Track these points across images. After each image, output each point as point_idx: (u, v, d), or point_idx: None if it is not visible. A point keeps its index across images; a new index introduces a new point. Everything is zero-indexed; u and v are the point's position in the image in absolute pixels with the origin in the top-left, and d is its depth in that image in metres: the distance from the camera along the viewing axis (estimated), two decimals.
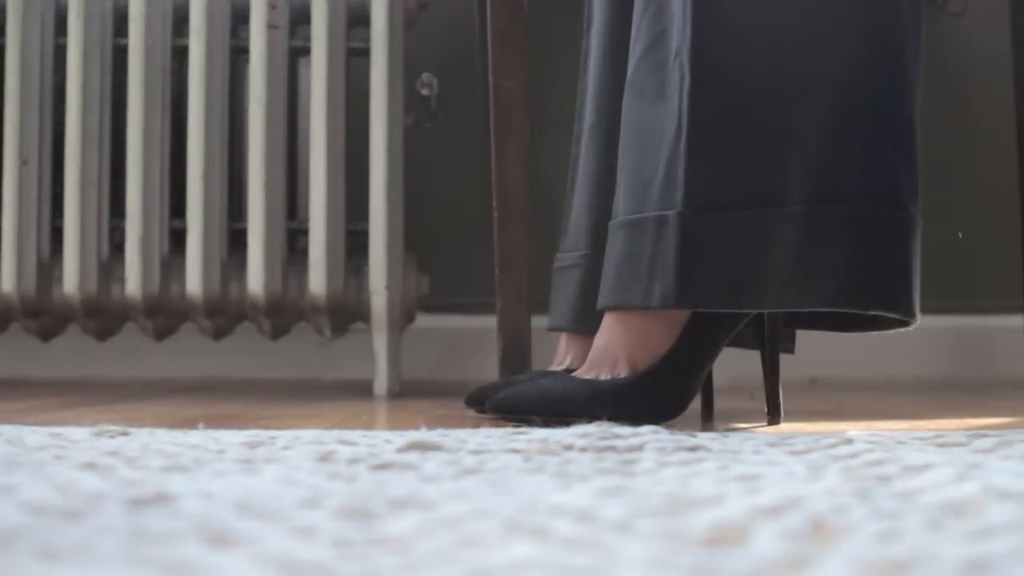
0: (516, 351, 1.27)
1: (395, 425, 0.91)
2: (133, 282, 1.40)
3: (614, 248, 0.92)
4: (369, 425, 0.93)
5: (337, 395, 1.34)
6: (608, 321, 0.92)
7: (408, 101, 1.46)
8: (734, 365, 1.65)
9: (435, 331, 1.69)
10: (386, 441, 0.69)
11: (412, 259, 1.46)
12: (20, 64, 1.41)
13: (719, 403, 1.17)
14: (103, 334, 1.51)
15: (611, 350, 0.90)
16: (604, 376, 0.90)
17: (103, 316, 1.45)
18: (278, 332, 1.50)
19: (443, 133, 1.62)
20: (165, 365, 1.66)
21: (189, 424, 0.83)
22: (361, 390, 1.42)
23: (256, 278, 1.39)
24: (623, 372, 0.89)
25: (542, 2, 1.59)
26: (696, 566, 0.35)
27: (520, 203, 1.25)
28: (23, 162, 1.41)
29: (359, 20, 1.45)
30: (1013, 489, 0.50)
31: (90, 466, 0.57)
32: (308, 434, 0.74)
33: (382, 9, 1.41)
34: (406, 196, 1.44)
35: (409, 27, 1.47)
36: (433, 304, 1.64)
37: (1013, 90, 1.59)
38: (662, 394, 0.90)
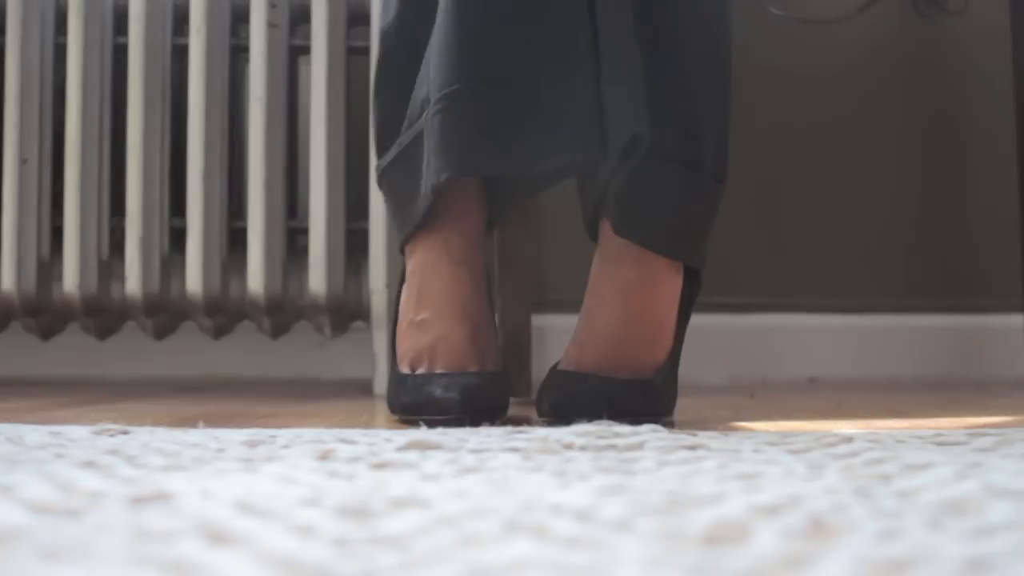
0: (516, 351, 1.27)
1: (395, 424, 0.91)
2: (133, 281, 1.40)
3: None
4: (369, 424, 0.93)
5: (337, 394, 1.34)
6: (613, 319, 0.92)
7: None
8: (734, 365, 1.65)
9: None
10: (386, 440, 0.69)
11: None
12: (20, 63, 1.41)
13: (719, 402, 1.17)
14: (103, 333, 1.51)
15: (629, 349, 0.90)
16: (624, 376, 0.89)
17: (103, 315, 1.45)
18: (278, 331, 1.50)
19: None
20: (165, 364, 1.66)
21: (189, 423, 0.83)
22: (361, 389, 1.42)
23: (256, 277, 1.39)
24: (646, 372, 0.90)
25: None
26: (696, 565, 0.35)
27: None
28: (23, 161, 1.41)
29: (359, 19, 1.45)
30: (1013, 488, 0.50)
31: (90, 465, 0.57)
32: (308, 433, 0.74)
33: None
34: None
35: None
36: None
37: (1013, 90, 1.59)
38: (674, 386, 0.93)
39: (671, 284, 0.92)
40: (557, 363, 0.93)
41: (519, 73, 0.89)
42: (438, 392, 0.87)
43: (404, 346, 0.95)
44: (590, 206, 0.96)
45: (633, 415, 0.84)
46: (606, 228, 0.93)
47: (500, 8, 0.89)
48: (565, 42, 0.89)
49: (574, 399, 0.87)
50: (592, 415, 0.81)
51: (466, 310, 0.92)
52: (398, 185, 0.96)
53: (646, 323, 0.91)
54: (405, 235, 0.97)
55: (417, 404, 0.89)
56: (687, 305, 0.95)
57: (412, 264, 0.96)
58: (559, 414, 0.86)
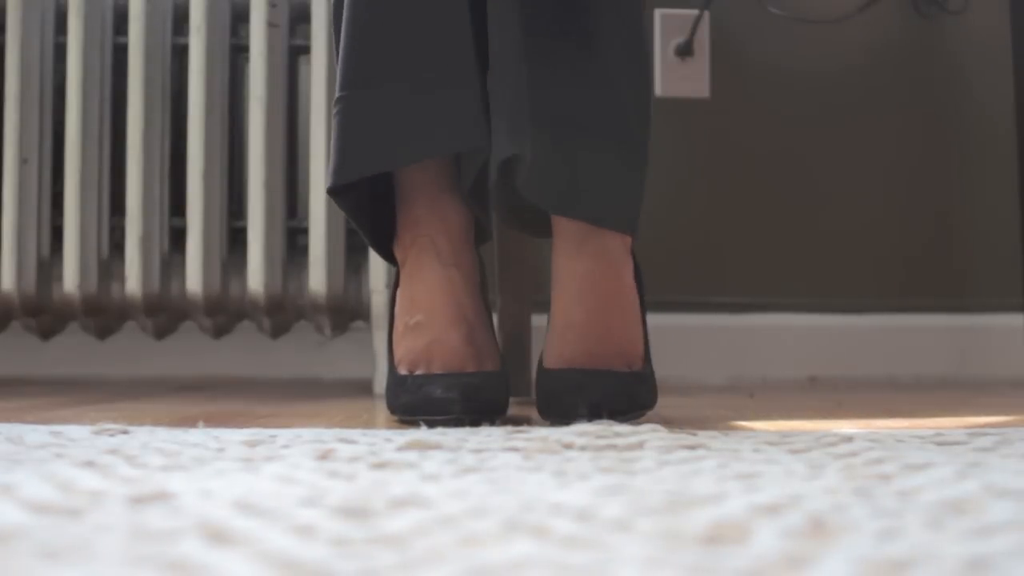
0: (516, 351, 1.27)
1: (395, 424, 0.91)
2: (133, 280, 1.40)
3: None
4: (369, 424, 0.93)
5: (337, 394, 1.34)
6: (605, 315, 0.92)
7: None
8: (734, 365, 1.65)
9: None
10: (386, 440, 0.69)
11: None
12: (20, 63, 1.41)
13: (719, 402, 1.17)
14: (103, 333, 1.51)
15: (615, 340, 0.90)
16: (620, 368, 0.89)
17: (103, 314, 1.45)
18: (278, 330, 1.50)
19: None
20: (165, 363, 1.66)
21: (189, 422, 0.83)
22: (361, 389, 1.42)
23: (256, 276, 1.39)
24: (636, 364, 0.90)
25: None
26: (696, 564, 0.35)
27: None
28: (23, 161, 1.41)
29: None
30: (1013, 487, 0.50)
31: (90, 464, 0.57)
32: (308, 433, 0.74)
33: None
34: None
35: None
36: None
37: (1013, 89, 1.59)
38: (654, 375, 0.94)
39: (629, 270, 0.93)
40: (540, 364, 0.93)
41: (395, 73, 0.92)
42: (438, 392, 0.87)
43: (401, 350, 0.95)
44: (506, 203, 0.97)
45: (642, 407, 0.86)
46: (558, 221, 0.92)
47: (380, 11, 0.93)
48: (444, 39, 0.92)
49: (589, 395, 0.86)
50: (608, 411, 0.82)
51: (460, 311, 0.92)
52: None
53: (619, 312, 0.91)
54: (374, 248, 1.00)
55: (416, 404, 0.89)
56: (641, 291, 0.96)
57: (403, 268, 0.96)
58: (570, 413, 0.85)
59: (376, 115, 0.92)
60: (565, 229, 0.91)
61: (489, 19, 0.93)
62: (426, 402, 0.88)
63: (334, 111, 0.94)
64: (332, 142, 0.95)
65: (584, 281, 0.90)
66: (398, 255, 0.98)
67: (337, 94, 0.94)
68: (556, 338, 0.91)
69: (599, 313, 0.90)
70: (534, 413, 0.94)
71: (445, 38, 0.93)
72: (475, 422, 0.83)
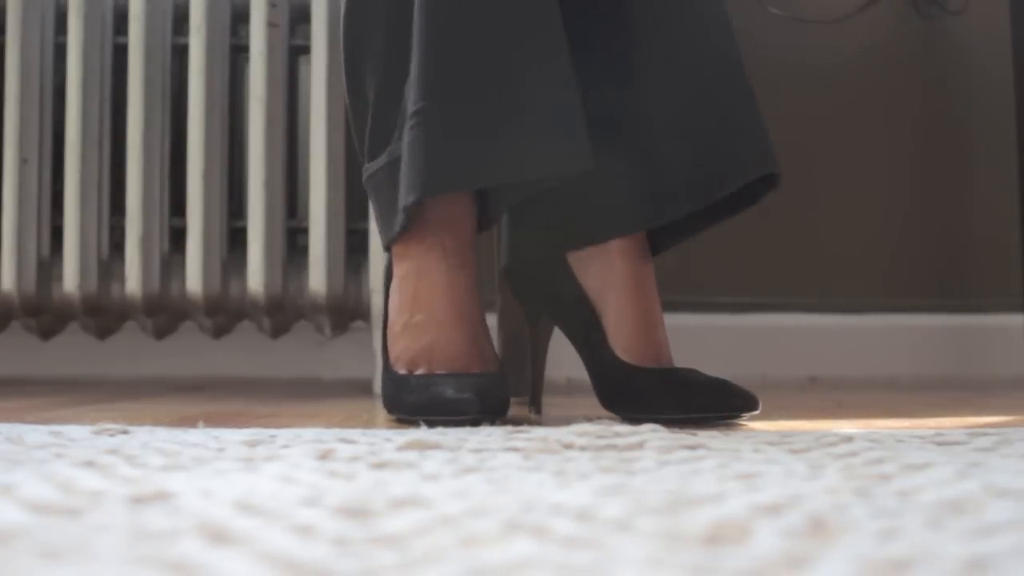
0: (516, 351, 1.27)
1: (395, 424, 0.91)
2: (133, 280, 1.40)
3: None
4: (369, 424, 0.93)
5: (337, 394, 1.34)
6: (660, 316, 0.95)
7: None
8: (734, 365, 1.65)
9: None
10: (386, 439, 0.69)
11: None
12: (20, 63, 1.41)
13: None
14: (103, 332, 1.51)
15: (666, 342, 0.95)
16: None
17: (103, 314, 1.45)
18: (278, 330, 1.50)
19: None
20: (165, 363, 1.66)
21: (189, 422, 0.83)
22: (361, 389, 1.42)
23: (256, 276, 1.39)
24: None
25: None
26: (696, 564, 0.35)
27: None
28: (23, 161, 1.41)
29: None
30: (1013, 487, 0.50)
31: (90, 464, 0.57)
32: (308, 432, 0.74)
33: None
34: None
35: None
36: None
37: (1013, 89, 1.59)
38: None
39: None
40: (614, 359, 0.93)
41: (491, 82, 0.87)
42: (449, 392, 0.86)
43: (398, 348, 0.94)
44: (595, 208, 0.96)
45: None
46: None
47: (470, 16, 0.88)
48: (542, 49, 0.88)
49: (708, 394, 0.91)
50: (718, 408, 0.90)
51: (463, 312, 0.92)
52: (385, 189, 0.95)
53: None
54: (389, 240, 0.96)
55: (424, 404, 0.88)
56: None
57: (406, 266, 0.95)
58: (692, 408, 0.90)
59: (475, 126, 0.87)
60: (636, 234, 0.96)
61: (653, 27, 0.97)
62: (437, 402, 0.87)
63: (411, 123, 0.88)
64: (411, 155, 0.88)
65: (652, 283, 0.95)
66: (398, 251, 0.96)
67: (416, 105, 0.87)
68: (641, 335, 0.94)
69: (660, 314, 0.96)
70: (533, 413, 0.94)
71: (544, 45, 0.88)
72: (475, 422, 0.83)
